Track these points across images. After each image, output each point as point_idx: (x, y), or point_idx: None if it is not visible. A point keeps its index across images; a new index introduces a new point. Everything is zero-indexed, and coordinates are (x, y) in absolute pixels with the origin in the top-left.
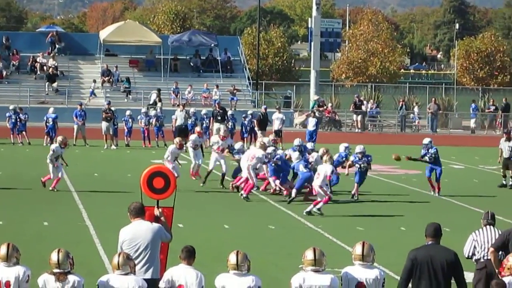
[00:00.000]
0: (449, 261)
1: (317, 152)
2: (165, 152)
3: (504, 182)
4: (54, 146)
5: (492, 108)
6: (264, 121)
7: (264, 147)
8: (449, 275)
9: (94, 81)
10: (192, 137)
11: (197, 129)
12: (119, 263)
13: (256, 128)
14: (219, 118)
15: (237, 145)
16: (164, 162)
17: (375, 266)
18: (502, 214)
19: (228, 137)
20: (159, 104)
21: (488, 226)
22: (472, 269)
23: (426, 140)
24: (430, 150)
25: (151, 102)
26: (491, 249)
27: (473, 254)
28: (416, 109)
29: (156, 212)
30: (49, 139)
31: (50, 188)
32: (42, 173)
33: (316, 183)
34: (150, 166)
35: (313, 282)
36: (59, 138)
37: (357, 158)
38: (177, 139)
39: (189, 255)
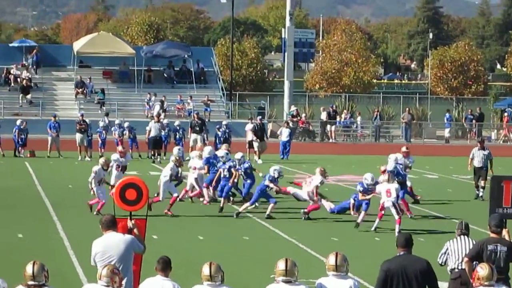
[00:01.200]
0: (422, 270)
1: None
2: (164, 171)
3: (477, 193)
4: (96, 168)
5: (470, 117)
6: (260, 131)
7: (323, 173)
8: (423, 284)
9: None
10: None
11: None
12: (102, 274)
13: (253, 139)
14: (197, 128)
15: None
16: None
17: (349, 276)
18: (476, 223)
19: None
20: (162, 115)
21: (462, 236)
22: (446, 278)
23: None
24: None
25: (155, 114)
26: (466, 259)
27: (446, 263)
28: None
29: (129, 223)
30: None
31: (95, 212)
32: (16, 185)
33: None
34: (123, 178)
35: None
36: (102, 160)
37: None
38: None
39: (165, 266)
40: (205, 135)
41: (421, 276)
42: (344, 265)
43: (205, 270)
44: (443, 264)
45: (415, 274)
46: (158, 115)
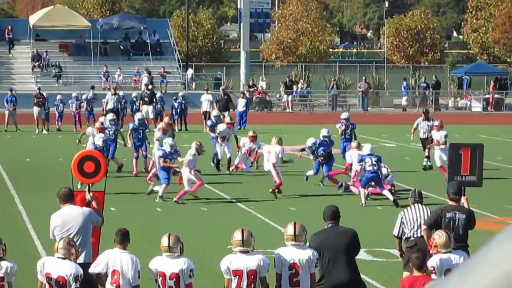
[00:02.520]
0: (349, 241)
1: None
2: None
3: (425, 164)
4: (192, 151)
5: (424, 85)
6: (222, 102)
7: (279, 142)
8: (352, 254)
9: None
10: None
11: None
12: (58, 246)
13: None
14: (147, 99)
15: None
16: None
17: (307, 246)
18: (432, 191)
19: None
20: (150, 86)
21: (416, 204)
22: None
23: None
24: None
25: (143, 85)
26: (424, 226)
27: (403, 232)
28: (264, 84)
29: (88, 196)
30: None
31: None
32: None
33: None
34: (81, 151)
35: (240, 264)
36: (195, 145)
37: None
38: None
39: (123, 238)
40: (156, 106)
41: (348, 247)
42: (302, 235)
43: (164, 241)
44: (399, 236)
45: (342, 245)
46: (147, 86)
